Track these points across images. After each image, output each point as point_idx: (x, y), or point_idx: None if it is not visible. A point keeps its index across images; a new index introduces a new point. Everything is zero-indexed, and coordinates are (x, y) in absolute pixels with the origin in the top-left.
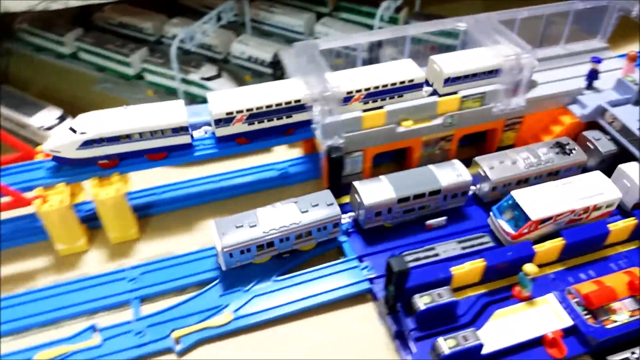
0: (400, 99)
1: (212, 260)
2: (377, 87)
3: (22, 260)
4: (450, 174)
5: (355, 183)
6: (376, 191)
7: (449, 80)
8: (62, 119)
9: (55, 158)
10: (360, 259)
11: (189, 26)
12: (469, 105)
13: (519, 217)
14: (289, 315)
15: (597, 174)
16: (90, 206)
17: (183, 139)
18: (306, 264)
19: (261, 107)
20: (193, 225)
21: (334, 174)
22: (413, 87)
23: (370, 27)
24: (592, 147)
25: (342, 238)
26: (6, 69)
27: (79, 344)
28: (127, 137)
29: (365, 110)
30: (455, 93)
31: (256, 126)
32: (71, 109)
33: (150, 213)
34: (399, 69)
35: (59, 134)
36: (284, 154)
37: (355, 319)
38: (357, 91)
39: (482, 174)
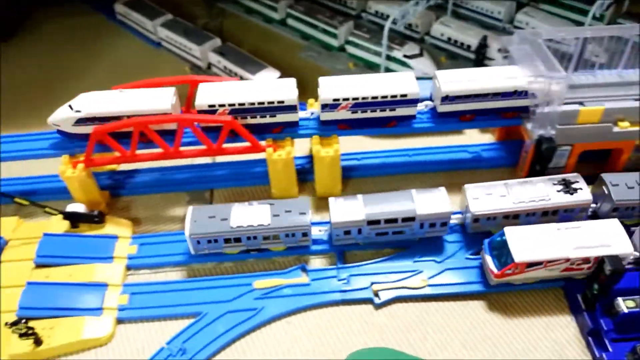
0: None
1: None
2: None
3: (243, 200)
4: (430, 201)
5: (331, 199)
6: (347, 210)
7: (447, 99)
8: None
9: (58, 131)
10: None
11: (401, 5)
12: None
13: (507, 255)
14: (476, 293)
15: (614, 223)
16: (299, 161)
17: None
18: None
19: (243, 104)
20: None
21: (540, 165)
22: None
23: (573, 21)
24: (606, 192)
25: None
26: (220, 28)
27: (291, 280)
28: (117, 119)
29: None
30: (454, 112)
31: (240, 122)
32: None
33: (351, 175)
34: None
35: (61, 109)
36: (477, 137)
37: (543, 310)
38: None
39: (466, 203)
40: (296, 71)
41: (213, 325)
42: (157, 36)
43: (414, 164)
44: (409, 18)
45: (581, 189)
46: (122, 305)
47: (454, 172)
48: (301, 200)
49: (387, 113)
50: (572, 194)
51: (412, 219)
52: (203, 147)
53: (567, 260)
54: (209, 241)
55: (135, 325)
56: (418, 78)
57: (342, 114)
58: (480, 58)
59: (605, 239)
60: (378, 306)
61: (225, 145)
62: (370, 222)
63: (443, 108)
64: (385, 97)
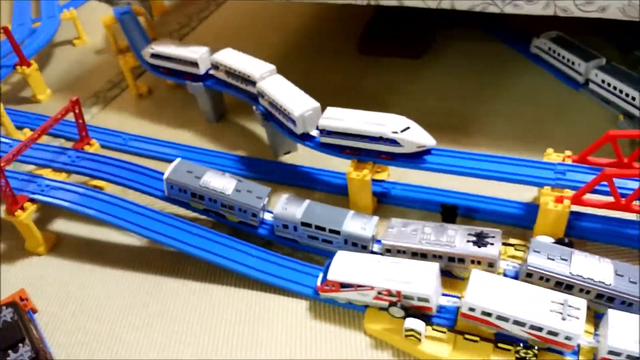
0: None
1: None
2: None
3: None
4: (358, 224)
5: (284, 195)
6: (290, 207)
7: (323, 132)
8: None
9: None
10: None
11: None
12: None
13: None
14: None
15: (433, 267)
16: None
17: None
18: None
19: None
20: None
21: None
22: None
23: None
24: (526, 255)
25: None
26: None
27: None
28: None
29: None
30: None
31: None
32: None
33: None
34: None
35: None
36: None
37: None
38: None
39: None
40: None
41: None
42: (584, 77)
43: None
44: None
45: (492, 244)
46: None
47: None
48: (265, 188)
49: None
50: (479, 246)
51: (337, 232)
52: None
53: (372, 288)
54: (180, 189)
55: None
56: None
57: None
58: None
59: (412, 277)
60: None
61: None
62: (304, 224)
63: (324, 140)
64: None
